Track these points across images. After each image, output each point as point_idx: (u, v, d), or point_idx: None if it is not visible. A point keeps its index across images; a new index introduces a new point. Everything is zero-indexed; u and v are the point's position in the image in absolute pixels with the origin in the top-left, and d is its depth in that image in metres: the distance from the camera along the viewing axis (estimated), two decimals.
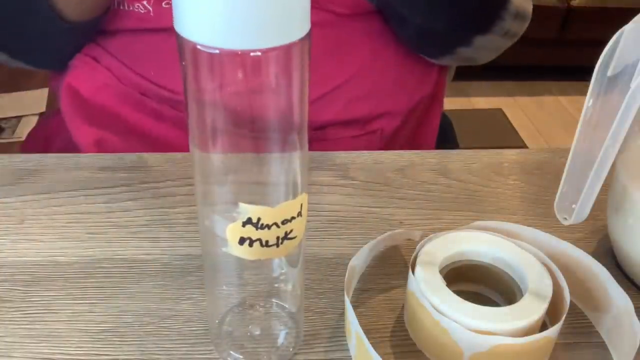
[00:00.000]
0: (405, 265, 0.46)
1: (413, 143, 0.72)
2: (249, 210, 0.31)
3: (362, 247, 0.42)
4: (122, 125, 0.65)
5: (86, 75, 0.66)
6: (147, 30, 0.62)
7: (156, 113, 0.64)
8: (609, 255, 0.47)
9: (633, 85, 0.35)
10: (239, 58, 0.27)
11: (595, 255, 0.41)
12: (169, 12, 0.60)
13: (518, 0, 0.65)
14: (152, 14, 0.62)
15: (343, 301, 0.42)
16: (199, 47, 0.26)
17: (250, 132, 0.31)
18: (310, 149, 0.61)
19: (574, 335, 0.41)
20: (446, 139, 0.80)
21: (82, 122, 0.66)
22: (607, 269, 0.40)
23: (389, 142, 0.68)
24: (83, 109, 0.67)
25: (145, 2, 0.61)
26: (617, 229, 0.44)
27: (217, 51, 0.26)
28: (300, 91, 0.30)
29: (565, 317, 0.36)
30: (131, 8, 0.62)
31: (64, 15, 0.60)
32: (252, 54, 0.27)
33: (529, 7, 0.68)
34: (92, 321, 0.40)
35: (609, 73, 0.37)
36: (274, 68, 0.28)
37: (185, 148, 0.64)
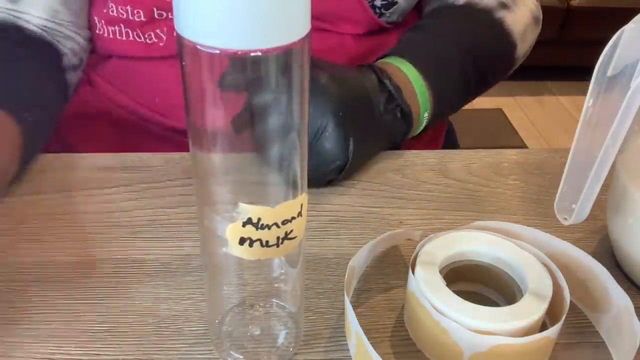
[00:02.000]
0: (405, 265, 0.46)
1: None
2: (249, 210, 0.31)
3: (362, 247, 0.42)
4: (127, 147, 0.65)
5: (82, 103, 0.66)
6: (156, 58, 0.62)
7: (159, 137, 0.64)
8: (609, 255, 0.47)
9: (633, 85, 0.35)
10: (239, 58, 0.27)
11: (595, 255, 0.41)
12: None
13: (530, 39, 0.68)
14: (163, 43, 0.61)
15: (343, 301, 0.42)
16: (199, 47, 0.26)
17: (249, 133, 0.31)
18: None
19: (574, 335, 0.41)
20: (446, 139, 0.80)
21: (87, 146, 0.66)
22: (607, 269, 0.40)
23: None
24: (86, 134, 0.66)
25: (158, 31, 0.60)
26: (617, 229, 0.44)
27: (218, 51, 0.26)
28: (300, 91, 0.30)
29: (565, 317, 0.36)
30: (142, 39, 0.61)
31: None
32: (252, 54, 0.27)
33: (534, 37, 0.70)
34: (92, 321, 0.40)
35: (609, 73, 0.37)
36: (274, 68, 0.28)
37: None
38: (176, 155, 0.56)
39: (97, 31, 0.62)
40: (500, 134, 2.37)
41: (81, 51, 0.62)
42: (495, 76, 0.67)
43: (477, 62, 0.62)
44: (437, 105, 0.58)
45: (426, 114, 0.58)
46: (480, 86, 0.65)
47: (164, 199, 0.51)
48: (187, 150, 0.66)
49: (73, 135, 0.68)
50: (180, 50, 0.28)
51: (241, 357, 0.38)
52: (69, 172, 0.54)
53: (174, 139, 0.64)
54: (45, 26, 0.58)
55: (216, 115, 0.30)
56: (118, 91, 0.65)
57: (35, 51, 0.57)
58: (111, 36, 0.61)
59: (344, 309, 0.41)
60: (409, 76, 0.57)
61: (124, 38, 0.61)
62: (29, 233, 0.47)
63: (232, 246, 0.32)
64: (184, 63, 0.28)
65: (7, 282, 0.43)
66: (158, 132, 0.65)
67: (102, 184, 0.53)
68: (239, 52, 0.26)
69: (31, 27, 0.57)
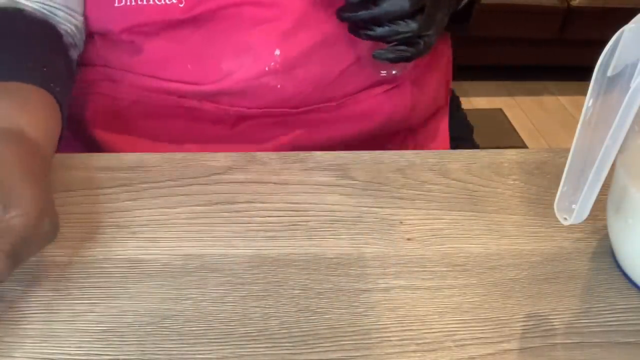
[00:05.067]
0: (403, 265, 0.46)
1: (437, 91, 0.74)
2: None
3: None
4: (160, 134, 0.65)
5: (109, 99, 0.65)
6: (174, 26, 0.61)
7: (194, 114, 0.64)
8: (609, 255, 0.47)
9: (633, 85, 0.35)
10: None
11: (595, 255, 0.41)
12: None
13: None
14: (182, 4, 0.59)
15: (343, 301, 0.42)
16: None
17: None
18: (344, 113, 0.64)
19: (574, 335, 0.41)
20: (465, 133, 0.81)
21: (121, 143, 0.66)
22: (607, 269, 0.40)
23: (420, 92, 0.69)
24: (119, 130, 0.66)
25: None
26: (617, 229, 0.44)
27: None
28: None
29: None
30: (161, 1, 0.60)
31: None
32: None
33: None
34: (92, 321, 0.40)
35: (609, 73, 0.37)
36: None
37: (226, 142, 0.64)
38: (176, 155, 0.56)
39: (115, 4, 0.61)
40: (500, 134, 2.37)
41: (76, 32, 0.62)
42: None
43: None
44: None
45: None
46: None
47: (164, 199, 0.51)
48: (225, 118, 0.64)
49: (106, 135, 0.68)
50: None
51: None
52: (69, 172, 0.54)
53: (208, 113, 0.64)
54: (42, 8, 0.58)
55: None
56: (147, 77, 0.64)
57: (40, 29, 0.57)
58: (128, 3, 0.60)
59: (344, 309, 0.41)
60: None
61: (143, 3, 0.60)
62: None
63: None
64: None
65: (7, 282, 0.43)
66: (194, 108, 0.64)
67: (102, 184, 0.53)
68: None
69: (29, 8, 0.57)
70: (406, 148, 0.71)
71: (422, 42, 0.59)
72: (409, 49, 0.59)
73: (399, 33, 0.57)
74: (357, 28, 0.58)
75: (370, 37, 0.58)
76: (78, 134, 0.68)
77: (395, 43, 0.59)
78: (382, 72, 0.63)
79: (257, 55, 0.61)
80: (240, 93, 0.63)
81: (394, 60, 0.60)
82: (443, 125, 0.76)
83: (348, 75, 0.64)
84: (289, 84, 0.63)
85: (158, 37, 0.62)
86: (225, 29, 0.61)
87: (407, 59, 0.60)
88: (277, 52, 0.61)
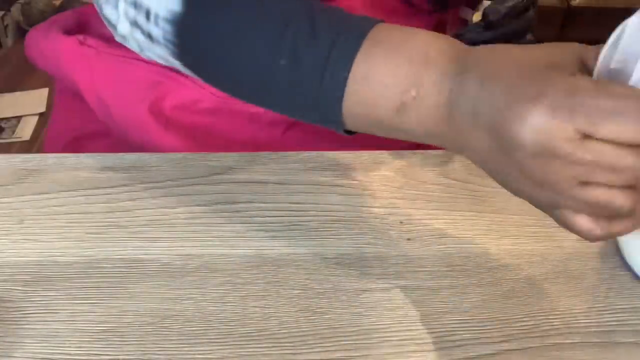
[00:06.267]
0: (403, 265, 0.46)
1: None
2: None
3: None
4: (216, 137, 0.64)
5: (172, 95, 0.63)
6: None
7: (249, 115, 0.62)
8: (616, 254, 0.47)
9: (631, 82, 0.35)
10: None
11: (595, 255, 0.41)
12: None
13: None
14: None
15: (343, 301, 0.42)
16: None
17: None
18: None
19: (574, 335, 0.41)
20: None
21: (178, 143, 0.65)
22: (615, 267, 0.39)
23: None
24: (173, 129, 0.65)
25: None
26: None
27: None
28: None
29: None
30: None
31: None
32: None
33: None
34: (92, 321, 0.40)
35: (612, 66, 0.37)
36: None
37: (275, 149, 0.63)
38: (176, 155, 0.56)
39: None
40: None
41: None
42: None
43: None
44: None
45: None
46: None
47: (164, 199, 0.51)
48: (276, 123, 0.62)
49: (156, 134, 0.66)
50: None
51: None
52: (69, 172, 0.54)
53: (267, 114, 0.62)
54: None
55: None
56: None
57: None
58: None
59: (344, 308, 0.42)
60: None
61: None
62: (29, 233, 0.47)
63: None
64: None
65: (7, 282, 0.43)
66: (252, 109, 0.62)
67: (102, 184, 0.53)
68: None
69: None
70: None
71: None
72: None
73: None
74: None
75: None
76: (121, 131, 0.67)
77: None
78: None
79: None
80: None
81: None
82: None
83: None
84: None
85: None
86: None
87: None
88: None
